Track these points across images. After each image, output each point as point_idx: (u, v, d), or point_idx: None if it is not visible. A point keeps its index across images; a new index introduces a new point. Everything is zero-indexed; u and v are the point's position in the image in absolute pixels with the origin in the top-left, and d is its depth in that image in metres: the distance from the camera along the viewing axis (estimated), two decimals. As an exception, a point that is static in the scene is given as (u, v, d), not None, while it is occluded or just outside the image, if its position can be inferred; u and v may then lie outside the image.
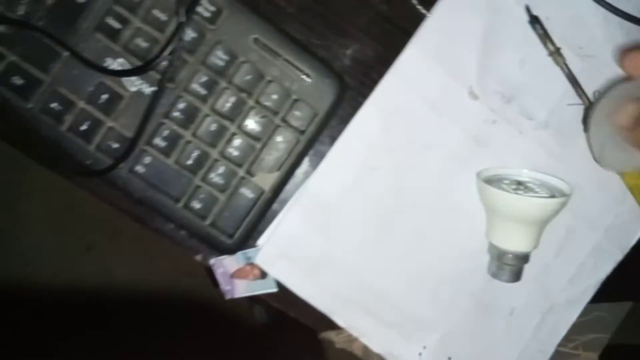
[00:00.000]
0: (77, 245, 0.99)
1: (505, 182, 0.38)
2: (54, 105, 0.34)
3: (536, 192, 0.38)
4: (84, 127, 0.35)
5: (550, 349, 0.42)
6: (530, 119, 0.40)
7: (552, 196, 0.37)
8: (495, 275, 0.38)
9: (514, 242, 0.37)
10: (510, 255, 0.37)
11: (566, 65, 0.39)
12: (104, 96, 0.35)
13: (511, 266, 0.37)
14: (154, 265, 0.92)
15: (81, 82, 0.35)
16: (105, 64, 0.35)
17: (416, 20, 0.38)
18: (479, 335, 0.41)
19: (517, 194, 0.36)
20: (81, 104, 0.35)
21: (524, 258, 0.38)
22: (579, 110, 0.40)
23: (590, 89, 0.40)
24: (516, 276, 0.38)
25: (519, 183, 0.38)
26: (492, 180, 0.38)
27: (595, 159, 0.39)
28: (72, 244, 0.99)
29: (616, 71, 0.40)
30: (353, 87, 0.39)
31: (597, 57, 0.40)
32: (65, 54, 0.34)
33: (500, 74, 0.39)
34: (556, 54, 0.39)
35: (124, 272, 0.92)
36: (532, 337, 0.42)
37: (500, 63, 0.39)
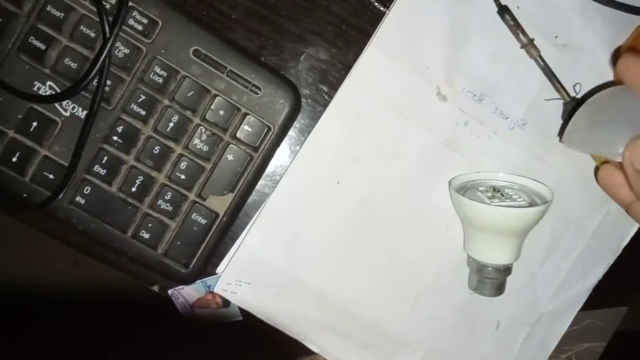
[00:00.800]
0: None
1: (481, 189, 0.35)
2: (-21, 137, 0.31)
3: (514, 200, 0.34)
4: (15, 159, 0.32)
5: (542, 361, 0.39)
6: (506, 118, 0.37)
7: (532, 203, 0.34)
8: (476, 290, 0.35)
9: (494, 254, 0.34)
10: (490, 269, 0.34)
11: (541, 57, 0.36)
12: (34, 123, 0.32)
13: (492, 280, 0.35)
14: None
15: (8, 110, 0.32)
16: (34, 88, 0.32)
17: (374, 18, 0.35)
18: (464, 353, 0.38)
19: (492, 204, 0.33)
20: (10, 133, 0.32)
21: (506, 270, 0.35)
22: (558, 106, 0.37)
23: (569, 82, 0.37)
24: (498, 290, 0.35)
25: (495, 190, 0.35)
26: (466, 188, 0.35)
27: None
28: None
29: (597, 59, 0.37)
30: (310, 95, 0.36)
31: (575, 45, 0.37)
32: (-13, 80, 0.31)
33: (470, 71, 0.36)
34: (529, 45, 0.36)
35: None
36: (522, 350, 0.39)
37: (469, 59, 0.36)
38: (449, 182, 0.36)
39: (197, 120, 0.33)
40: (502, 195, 0.35)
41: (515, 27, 0.35)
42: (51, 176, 0.32)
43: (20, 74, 0.32)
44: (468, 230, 0.35)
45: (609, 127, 0.31)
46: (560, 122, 0.37)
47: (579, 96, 0.37)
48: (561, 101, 0.37)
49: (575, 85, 0.37)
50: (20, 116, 0.32)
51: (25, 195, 0.32)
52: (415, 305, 0.37)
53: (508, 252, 0.34)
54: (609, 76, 0.37)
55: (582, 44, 0.37)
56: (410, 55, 0.35)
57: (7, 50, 0.31)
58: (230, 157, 0.34)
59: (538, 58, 0.36)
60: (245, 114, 0.33)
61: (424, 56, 0.35)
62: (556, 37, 0.37)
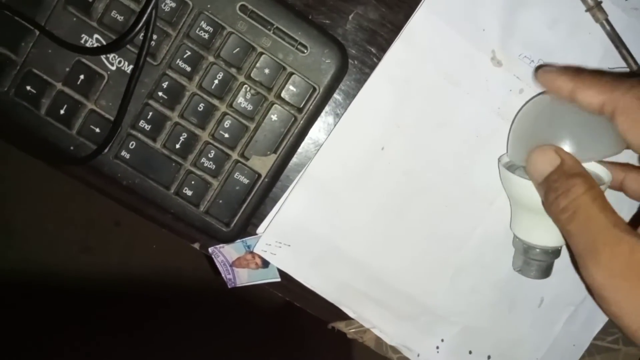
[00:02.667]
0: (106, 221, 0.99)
1: None
2: (28, 87, 0.32)
3: None
4: (62, 111, 0.32)
5: (585, 343, 0.38)
6: (564, 87, 0.35)
7: None
8: (521, 271, 0.34)
9: (542, 236, 0.32)
10: (538, 250, 0.33)
11: (608, 21, 0.33)
12: (82, 76, 0.32)
13: (539, 262, 0.33)
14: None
15: (56, 62, 0.32)
16: (81, 41, 0.32)
17: (429, -24, 0.33)
18: (503, 329, 0.37)
19: None
20: (58, 86, 0.32)
21: (555, 253, 0.33)
22: (623, 75, 0.34)
23: (638, 50, 0.34)
24: (545, 272, 0.33)
25: None
26: (516, 165, 0.34)
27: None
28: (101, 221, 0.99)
29: (670, 26, 0.34)
30: (357, 56, 0.34)
31: (646, 10, 0.34)
32: (37, 32, 0.31)
33: (528, 35, 0.34)
34: (596, 8, 0.33)
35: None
36: (564, 330, 0.38)
37: (529, 22, 0.34)
38: (499, 158, 0.34)
39: (241, 79, 0.32)
40: None
41: (582, -12, 0.33)
42: (97, 130, 0.33)
43: (67, 26, 0.31)
44: (516, 209, 0.34)
45: (527, 137, 0.32)
46: (623, 93, 0.35)
47: (646, 66, 0.34)
48: (627, 70, 0.34)
49: (644, 53, 0.34)
50: (67, 69, 0.32)
51: (72, 148, 0.33)
52: (455, 278, 0.36)
53: (557, 234, 0.32)
54: (682, 45, 0.34)
55: (654, 9, 0.34)
56: (464, 17, 0.33)
57: (54, 2, 0.31)
58: (274, 117, 0.33)
59: (605, 22, 0.33)
60: (291, 74, 0.32)
61: (480, 18, 0.33)
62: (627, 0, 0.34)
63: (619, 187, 0.33)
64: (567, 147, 0.29)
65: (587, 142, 0.29)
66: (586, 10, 0.33)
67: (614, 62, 0.34)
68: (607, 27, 0.33)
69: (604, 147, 0.29)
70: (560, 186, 0.28)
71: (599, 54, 0.34)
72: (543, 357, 0.38)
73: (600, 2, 0.33)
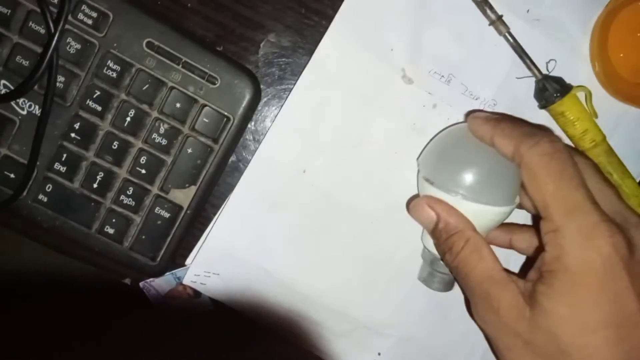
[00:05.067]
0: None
1: None
2: (-63, 139, 0.32)
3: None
4: (-25, 159, 0.32)
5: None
6: (476, 99, 0.36)
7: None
8: (425, 282, 0.34)
9: None
10: (442, 263, 0.33)
11: (510, 34, 0.34)
12: (-8, 123, 0.32)
13: (442, 275, 0.33)
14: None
15: (-36, 111, 0.32)
16: (-11, 88, 0.32)
17: (334, 1, 0.34)
18: (437, 338, 0.38)
19: (462, 197, 0.31)
20: (-31, 134, 0.32)
21: None
22: (531, 84, 0.36)
23: (542, 59, 0.35)
24: (448, 286, 0.34)
25: None
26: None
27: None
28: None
29: (571, 35, 0.35)
30: (271, 83, 0.35)
31: (547, 20, 0.35)
32: (-60, 82, 0.31)
33: (436, 51, 0.35)
34: (498, 22, 0.34)
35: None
36: (498, 333, 0.39)
37: (435, 39, 0.35)
38: (418, 169, 0.35)
39: (154, 114, 0.33)
40: None
41: (483, 3, 0.34)
42: (12, 175, 0.32)
43: (-27, 73, 0.31)
44: None
45: (441, 159, 0.33)
46: (533, 100, 0.36)
47: (552, 73, 0.35)
48: (533, 79, 0.35)
49: (549, 61, 0.36)
50: (-23, 116, 0.32)
51: (-11, 194, 0.33)
52: (386, 291, 0.37)
53: None
54: (584, 52, 0.36)
55: (555, 19, 0.35)
56: (372, 39, 0.34)
57: (-43, 51, 0.31)
58: (190, 150, 0.33)
59: (507, 35, 0.34)
60: (204, 105, 0.33)
61: (387, 39, 0.34)
62: (528, 11, 0.35)
63: (508, 246, 0.34)
64: (473, 182, 0.30)
65: (492, 185, 0.30)
66: (489, 24, 0.34)
67: (522, 71, 0.35)
68: (510, 40, 0.34)
69: (504, 194, 0.31)
70: (442, 244, 0.30)
71: (507, 65, 0.35)
72: (480, 361, 0.38)
73: (502, 16, 0.34)
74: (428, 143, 0.35)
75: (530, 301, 0.27)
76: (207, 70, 0.32)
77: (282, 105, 0.34)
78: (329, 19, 0.34)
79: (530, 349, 0.27)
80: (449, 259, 0.30)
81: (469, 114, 0.35)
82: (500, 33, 0.34)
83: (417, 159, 0.35)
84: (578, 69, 0.36)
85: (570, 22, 0.35)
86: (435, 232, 0.31)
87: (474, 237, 0.29)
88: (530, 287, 0.27)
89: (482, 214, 0.31)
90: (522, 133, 0.28)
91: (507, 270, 0.29)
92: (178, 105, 0.32)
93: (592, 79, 0.36)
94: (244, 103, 0.33)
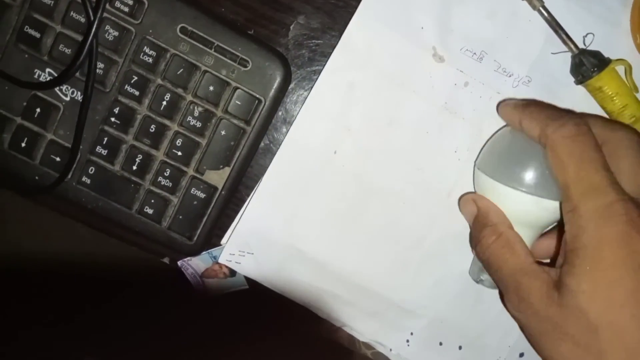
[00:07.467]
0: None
1: None
2: (-11, 124, 0.34)
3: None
4: (24, 144, 0.34)
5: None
6: (509, 76, 0.35)
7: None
8: (478, 281, 0.34)
9: None
10: None
11: (545, 8, 0.33)
12: (38, 109, 0.34)
13: None
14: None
15: (13, 98, 0.34)
16: (35, 75, 0.33)
17: (363, -20, 0.34)
18: (471, 319, 0.38)
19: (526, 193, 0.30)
20: (18, 120, 0.34)
21: None
22: (566, 59, 0.35)
23: (578, 32, 0.34)
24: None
25: None
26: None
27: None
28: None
29: (611, 6, 0.34)
30: (302, 65, 0.35)
31: (584, -8, 0.34)
32: (-9, 71, 0.33)
33: (467, 29, 0.34)
34: (532, -4, 0.33)
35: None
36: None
37: (465, 17, 0.34)
38: (476, 164, 0.34)
39: (189, 97, 0.34)
40: None
41: (516, -22, 0.33)
42: (58, 159, 0.34)
43: (20, 63, 0.33)
44: None
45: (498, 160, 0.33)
46: (569, 76, 0.35)
47: (590, 47, 0.34)
48: (569, 54, 0.34)
49: (586, 35, 0.34)
50: (24, 103, 0.34)
51: (36, 177, 0.35)
52: (418, 273, 0.37)
53: None
54: (624, 24, 0.34)
55: (592, -10, 0.34)
56: (402, 18, 0.34)
57: (6, 42, 0.33)
58: (223, 132, 0.34)
59: (542, 9, 0.33)
60: (236, 88, 0.33)
61: (417, 17, 0.34)
62: (563, -16, 0.34)
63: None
64: (533, 176, 0.30)
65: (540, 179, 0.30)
66: (522, -1, 0.34)
67: (557, 46, 0.34)
68: (545, 14, 0.34)
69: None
70: (474, 237, 0.32)
71: (541, 40, 0.35)
72: (515, 343, 0.38)
73: (535, -10, 0.33)
74: (485, 144, 0.35)
75: (558, 284, 0.27)
76: (238, 54, 0.33)
77: (312, 87, 0.35)
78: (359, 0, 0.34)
79: (562, 331, 0.26)
80: (480, 251, 0.31)
81: (500, 103, 0.34)
82: (534, 7, 0.34)
83: (475, 161, 0.35)
84: (618, 42, 0.34)
85: (608, -6, 0.34)
86: (472, 224, 0.32)
87: (507, 232, 0.30)
88: (558, 272, 0.27)
89: (542, 207, 0.30)
90: (547, 115, 0.29)
91: (539, 262, 0.29)
92: (211, 88, 0.33)
93: (633, 52, 0.34)
94: (275, 85, 0.34)
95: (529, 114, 0.30)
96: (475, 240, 0.32)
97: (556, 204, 0.30)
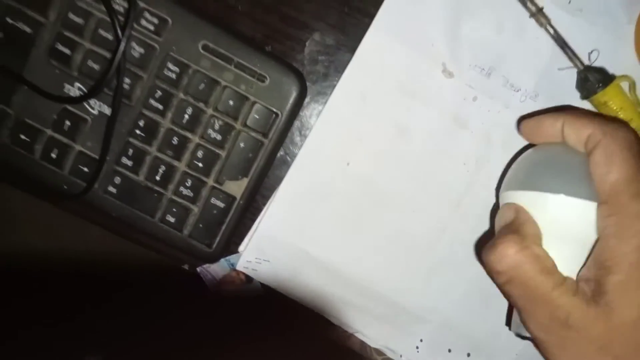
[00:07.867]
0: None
1: None
2: (22, 136, 0.35)
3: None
4: (54, 155, 0.36)
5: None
6: (517, 91, 0.36)
7: None
8: (521, 333, 0.32)
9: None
10: None
11: (551, 26, 0.35)
12: (68, 122, 0.35)
13: None
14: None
15: (44, 111, 0.35)
16: (65, 90, 0.35)
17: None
18: (480, 325, 0.39)
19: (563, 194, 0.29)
20: (48, 132, 0.36)
21: None
22: (572, 75, 0.36)
23: (584, 49, 0.35)
24: None
25: None
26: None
27: None
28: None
29: (616, 23, 0.35)
30: (317, 80, 0.37)
31: (589, 10, 0.35)
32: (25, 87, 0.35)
33: (476, 45, 0.36)
34: (539, 14, 0.35)
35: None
36: (541, 322, 0.39)
37: (475, 33, 0.36)
38: (500, 194, 0.33)
39: (210, 111, 0.35)
40: None
41: (523, -3, 0.34)
42: (85, 169, 0.36)
43: (51, 77, 0.35)
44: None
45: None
46: (574, 91, 0.36)
47: (595, 63, 0.36)
48: (575, 70, 0.35)
49: (591, 52, 0.36)
50: (55, 116, 0.36)
51: (65, 186, 0.36)
52: (428, 278, 0.38)
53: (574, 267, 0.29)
54: (629, 40, 0.36)
55: (597, 8, 0.35)
56: (413, 34, 0.35)
57: (39, 57, 0.35)
58: (242, 144, 0.36)
59: (548, 27, 0.35)
60: (254, 102, 0.35)
61: (428, 33, 0.35)
62: (569, 1, 0.35)
63: None
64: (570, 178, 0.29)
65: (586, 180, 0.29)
66: (530, 17, 0.35)
67: (563, 62, 0.36)
68: (551, 31, 0.35)
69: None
70: (497, 243, 0.28)
71: (548, 55, 0.36)
72: (521, 352, 0.39)
73: (542, 8, 0.35)
74: (505, 170, 0.36)
75: (598, 300, 0.25)
76: (257, 70, 0.35)
77: (326, 101, 0.36)
78: (371, 16, 0.35)
79: (605, 352, 0.25)
80: (494, 260, 0.28)
81: (520, 120, 0.35)
82: (541, 25, 0.35)
83: (497, 188, 0.35)
84: (622, 59, 0.36)
85: (614, 11, 0.35)
86: (499, 231, 0.30)
87: (533, 247, 0.28)
88: (593, 286, 0.26)
89: (585, 209, 0.29)
90: (598, 119, 0.28)
91: (569, 278, 0.28)
92: (231, 102, 0.35)
93: (637, 69, 0.36)
94: (291, 100, 0.35)
95: (572, 117, 0.29)
96: (492, 247, 0.28)
97: (593, 210, 0.28)
